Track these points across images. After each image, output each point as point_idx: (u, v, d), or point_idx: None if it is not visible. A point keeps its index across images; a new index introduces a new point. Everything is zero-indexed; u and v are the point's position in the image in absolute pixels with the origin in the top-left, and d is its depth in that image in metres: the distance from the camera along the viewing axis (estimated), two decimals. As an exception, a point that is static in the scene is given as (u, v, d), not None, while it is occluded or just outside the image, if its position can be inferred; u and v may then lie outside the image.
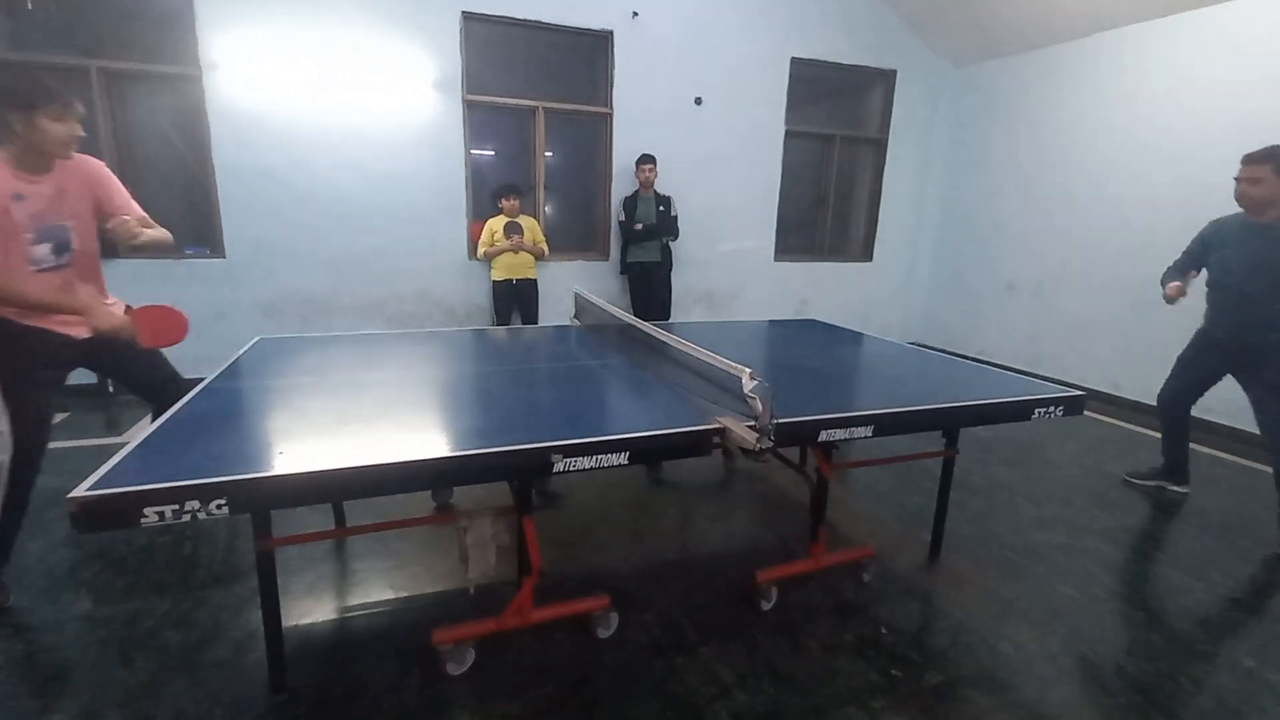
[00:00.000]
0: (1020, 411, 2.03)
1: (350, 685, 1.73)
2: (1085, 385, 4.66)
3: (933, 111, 6.23)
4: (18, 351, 1.98)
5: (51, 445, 2.08)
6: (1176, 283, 2.80)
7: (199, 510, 1.17)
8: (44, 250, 1.98)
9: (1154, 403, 3.15)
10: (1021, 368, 5.21)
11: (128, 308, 2.12)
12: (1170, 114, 4.40)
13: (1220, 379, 2.91)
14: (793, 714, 1.68)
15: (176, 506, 1.16)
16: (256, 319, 4.56)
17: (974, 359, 3.13)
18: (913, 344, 4.92)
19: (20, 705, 1.63)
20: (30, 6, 3.99)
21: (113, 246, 2.14)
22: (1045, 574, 2.43)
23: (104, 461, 1.27)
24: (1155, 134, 4.50)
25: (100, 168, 2.16)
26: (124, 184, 2.22)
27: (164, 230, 2.22)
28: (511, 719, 1.63)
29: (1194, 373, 2.97)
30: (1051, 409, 2.05)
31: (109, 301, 2.18)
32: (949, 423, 2.22)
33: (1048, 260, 5.35)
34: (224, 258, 4.45)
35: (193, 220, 4.46)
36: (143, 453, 1.35)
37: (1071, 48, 5.04)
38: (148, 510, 1.14)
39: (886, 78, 6.04)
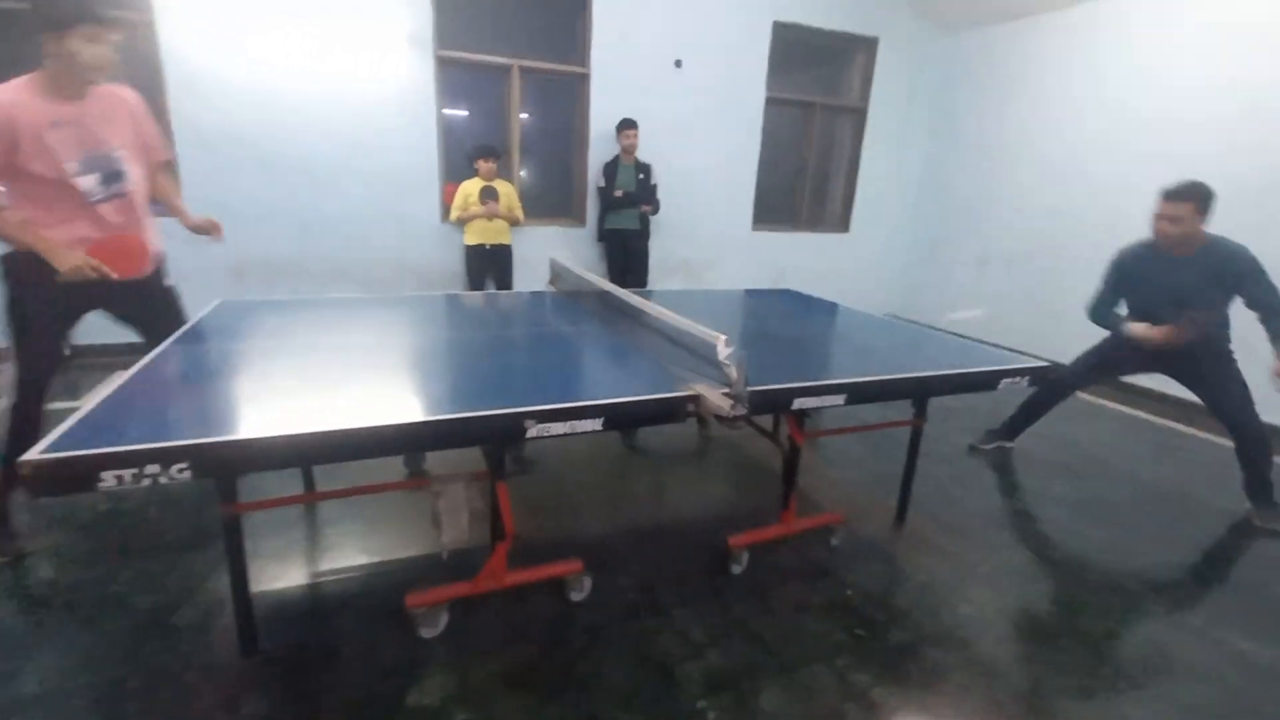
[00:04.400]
0: (987, 381, 2.07)
1: (323, 649, 1.73)
2: (1050, 357, 4.77)
3: (914, 80, 6.19)
4: (30, 290, 1.94)
5: None
6: (1142, 326, 2.71)
7: (160, 475, 1.14)
8: (91, 181, 1.92)
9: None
10: (991, 340, 5.32)
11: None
12: (1144, 90, 4.43)
13: (1137, 373, 2.98)
14: (762, 672, 1.73)
15: (136, 470, 1.12)
16: (221, 283, 4.40)
17: (945, 331, 3.21)
18: (888, 315, 4.98)
19: (-19, 671, 1.60)
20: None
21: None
22: (1005, 539, 2.52)
23: (59, 424, 1.23)
24: (1127, 110, 4.54)
25: (139, 100, 2.10)
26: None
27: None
28: (487, 679, 1.65)
29: (1101, 360, 3.03)
30: (1018, 379, 2.10)
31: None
32: (918, 392, 2.26)
33: (1019, 235, 5.42)
34: (185, 217, 4.27)
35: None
36: (101, 416, 1.31)
37: (1056, 17, 5.02)
38: (105, 474, 1.11)
39: (868, 44, 5.97)
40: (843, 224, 6.46)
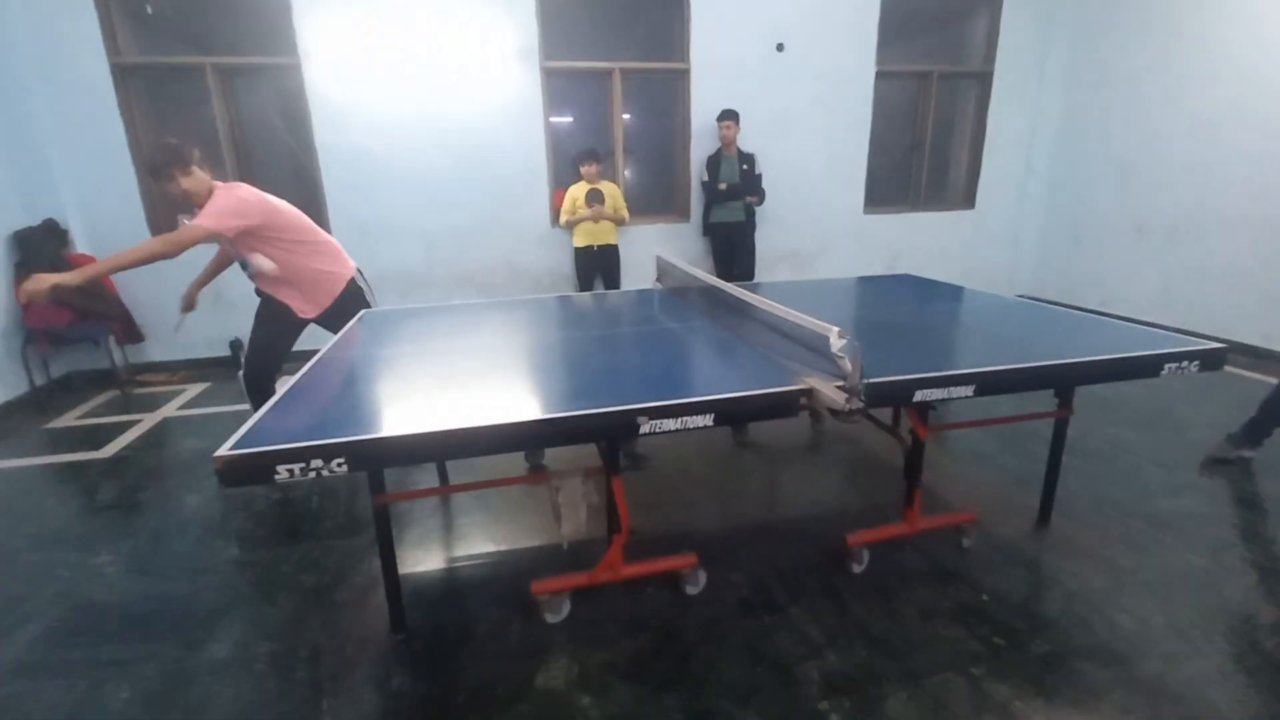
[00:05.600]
0: (1147, 367, 1.84)
1: (460, 629, 1.88)
2: (1226, 338, 4.16)
3: (1047, 34, 5.60)
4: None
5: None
6: None
7: (322, 468, 1.29)
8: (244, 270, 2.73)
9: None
10: (1151, 320, 4.71)
11: None
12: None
13: None
14: (887, 677, 1.66)
15: (304, 464, 1.28)
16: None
17: (1093, 311, 2.83)
18: (1021, 297, 4.56)
19: (186, 636, 1.89)
20: (150, 11, 4.36)
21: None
22: (1173, 543, 2.23)
23: (241, 425, 1.42)
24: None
25: (213, 194, 2.49)
26: (240, 174, 2.50)
27: (111, 260, 2.31)
28: (607, 667, 1.72)
29: None
30: (1185, 364, 1.85)
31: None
32: (1062, 380, 2.06)
33: (1183, 198, 4.74)
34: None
35: (301, 203, 4.79)
36: (274, 416, 1.50)
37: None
38: (280, 467, 1.27)
39: (991, 2, 5.48)
40: (966, 200, 5.99)
